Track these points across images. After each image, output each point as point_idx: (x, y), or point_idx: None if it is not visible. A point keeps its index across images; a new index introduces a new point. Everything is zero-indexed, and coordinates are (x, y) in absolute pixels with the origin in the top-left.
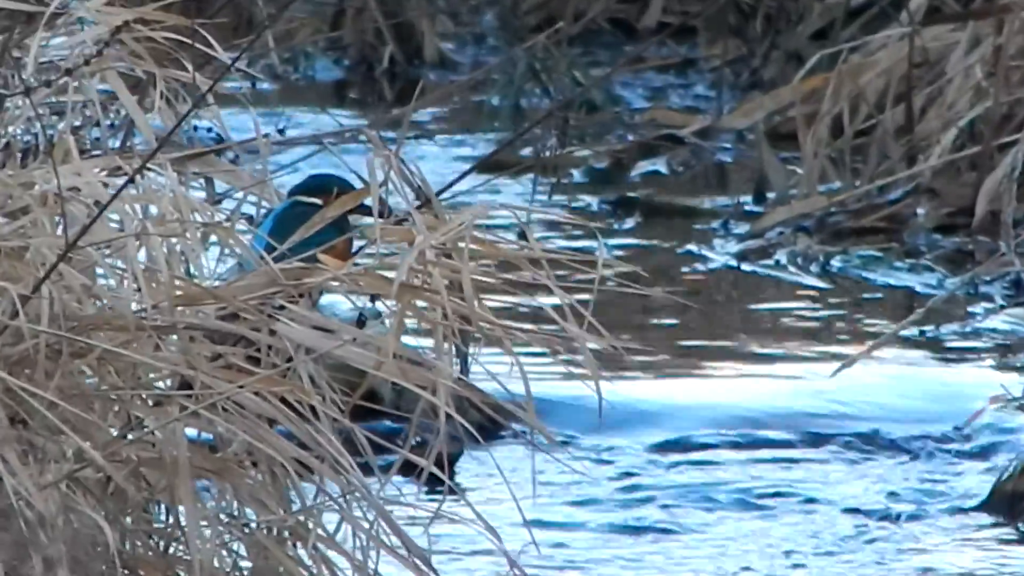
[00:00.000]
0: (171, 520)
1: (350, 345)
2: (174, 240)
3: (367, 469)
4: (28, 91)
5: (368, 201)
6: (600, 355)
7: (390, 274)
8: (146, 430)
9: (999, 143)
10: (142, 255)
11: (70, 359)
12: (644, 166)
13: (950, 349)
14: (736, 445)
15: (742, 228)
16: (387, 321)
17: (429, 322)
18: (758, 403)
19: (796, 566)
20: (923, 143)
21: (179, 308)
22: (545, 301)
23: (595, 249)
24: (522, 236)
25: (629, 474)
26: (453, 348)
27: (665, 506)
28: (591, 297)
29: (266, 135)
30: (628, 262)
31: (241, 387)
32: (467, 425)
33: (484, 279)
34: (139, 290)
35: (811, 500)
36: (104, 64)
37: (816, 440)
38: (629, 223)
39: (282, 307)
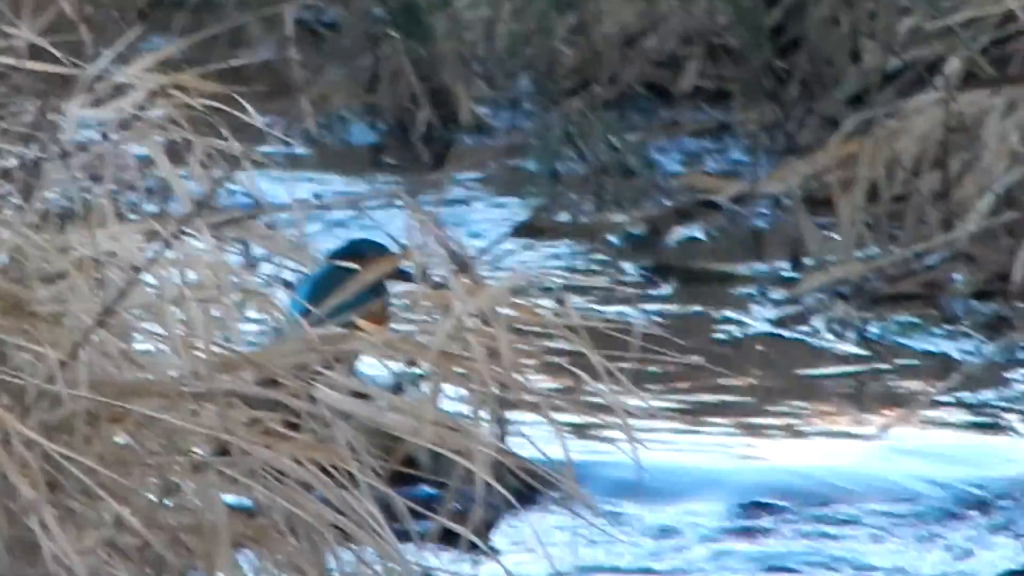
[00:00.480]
0: None
1: (387, 411)
2: (211, 305)
3: (405, 535)
4: (65, 155)
5: (405, 266)
6: (636, 421)
7: (427, 339)
8: (184, 496)
9: None
10: (180, 320)
11: (108, 424)
12: (680, 231)
13: (987, 415)
14: (770, 511)
15: (779, 294)
16: (424, 387)
17: (466, 388)
18: (792, 469)
19: None
20: (960, 209)
21: (217, 374)
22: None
23: (631, 315)
24: (559, 302)
25: (667, 540)
26: (490, 413)
27: (703, 573)
28: (627, 363)
29: (302, 200)
30: (664, 328)
31: (279, 453)
32: (504, 491)
33: (521, 345)
34: (177, 355)
35: (849, 566)
36: (141, 129)
37: (850, 507)
38: (665, 289)
39: (319, 372)
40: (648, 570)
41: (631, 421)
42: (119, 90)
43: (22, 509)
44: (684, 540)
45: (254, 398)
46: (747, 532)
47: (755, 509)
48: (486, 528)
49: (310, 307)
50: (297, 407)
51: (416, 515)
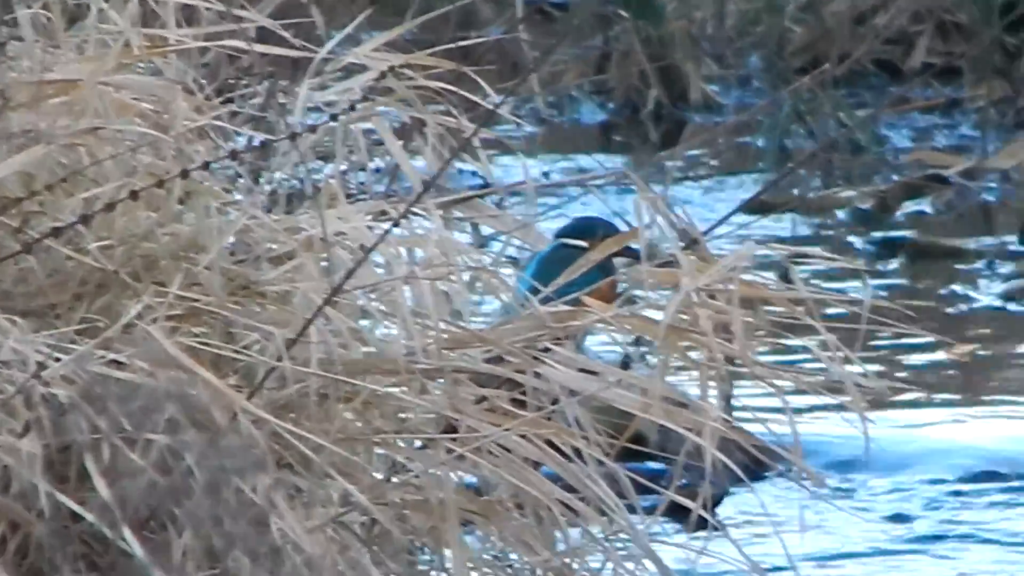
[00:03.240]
0: (435, 562)
1: (615, 387)
2: (440, 284)
3: (632, 510)
4: (294, 136)
5: (634, 244)
6: (864, 395)
7: (656, 316)
8: (411, 473)
9: None
10: (409, 299)
11: (336, 403)
12: (909, 207)
13: None
14: (997, 487)
15: (1007, 268)
16: (652, 362)
17: (694, 364)
18: (1021, 446)
19: None
20: None
21: (445, 351)
22: (810, 342)
23: (860, 290)
24: (785, 277)
25: (895, 514)
26: (719, 389)
27: (930, 546)
28: (856, 336)
29: (531, 179)
30: (892, 302)
31: (507, 430)
32: (733, 466)
33: (750, 320)
34: (405, 334)
35: None
36: (370, 109)
37: None
38: (894, 264)
39: (547, 350)
40: (872, 543)
41: (859, 395)
42: (349, 72)
43: (251, 487)
44: (911, 513)
45: (482, 375)
46: (970, 505)
47: (977, 482)
48: (714, 503)
49: (538, 285)
50: (525, 384)
51: (643, 490)
